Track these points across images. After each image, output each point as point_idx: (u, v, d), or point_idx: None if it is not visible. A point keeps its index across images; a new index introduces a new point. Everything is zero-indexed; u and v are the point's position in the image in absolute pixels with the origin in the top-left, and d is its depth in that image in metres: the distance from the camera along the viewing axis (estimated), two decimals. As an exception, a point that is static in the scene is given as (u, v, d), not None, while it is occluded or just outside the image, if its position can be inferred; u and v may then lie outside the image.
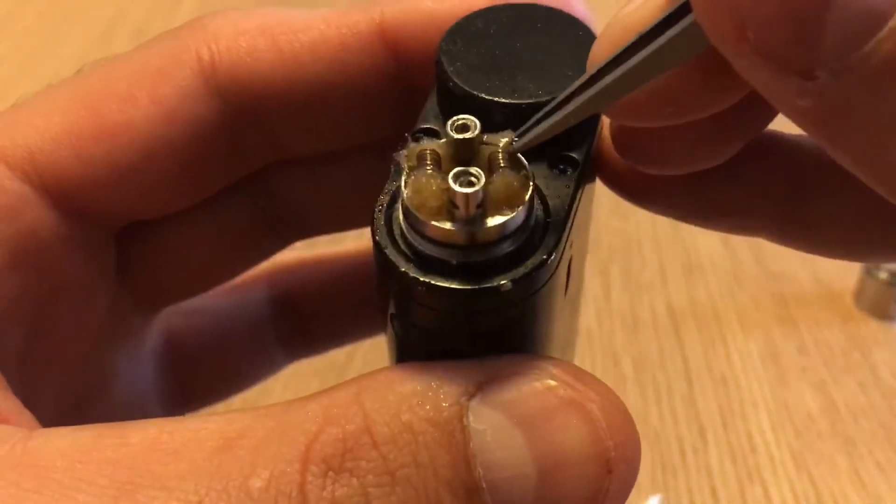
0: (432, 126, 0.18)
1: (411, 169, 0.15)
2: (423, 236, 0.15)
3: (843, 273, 0.52)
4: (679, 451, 0.42)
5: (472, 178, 0.15)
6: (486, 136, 0.16)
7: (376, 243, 0.15)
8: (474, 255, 0.15)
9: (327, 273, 0.27)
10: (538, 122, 0.16)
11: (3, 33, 0.72)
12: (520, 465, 0.14)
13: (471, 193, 0.15)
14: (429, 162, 0.15)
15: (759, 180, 0.18)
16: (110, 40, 0.72)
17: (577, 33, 0.19)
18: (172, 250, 0.23)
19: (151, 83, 0.19)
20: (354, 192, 0.24)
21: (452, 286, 0.15)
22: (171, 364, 0.25)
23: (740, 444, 0.43)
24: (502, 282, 0.15)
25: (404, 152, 0.16)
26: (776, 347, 0.48)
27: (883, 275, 0.48)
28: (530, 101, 0.17)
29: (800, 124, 0.12)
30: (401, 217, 0.15)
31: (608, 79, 0.15)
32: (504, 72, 0.18)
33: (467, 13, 0.19)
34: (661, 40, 0.14)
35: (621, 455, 0.14)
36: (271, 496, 0.13)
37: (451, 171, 0.15)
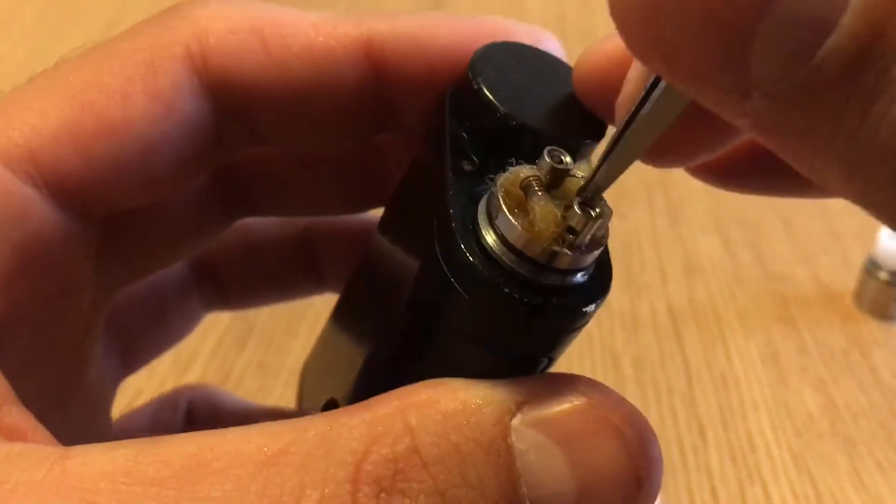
0: (466, 151, 0.18)
1: (539, 193, 0.16)
2: (532, 261, 0.16)
3: (843, 273, 0.52)
4: (679, 450, 0.42)
5: (601, 214, 0.16)
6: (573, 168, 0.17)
7: (469, 264, 0.16)
8: (565, 280, 0.16)
9: (245, 240, 0.28)
10: (591, 181, 0.17)
11: (2, 33, 0.72)
12: (561, 483, 0.14)
13: (600, 222, 0.16)
14: (536, 188, 0.16)
15: None
16: (110, 40, 0.72)
17: (564, 74, 0.20)
18: (143, 233, 0.23)
19: (145, 78, 0.19)
20: (301, 175, 0.25)
21: (562, 307, 0.16)
22: (112, 333, 0.25)
23: (740, 444, 0.43)
24: (590, 306, 0.16)
25: (500, 182, 0.16)
26: (776, 347, 0.48)
27: (883, 275, 0.48)
28: (579, 140, 0.19)
29: (752, 133, 0.13)
30: (494, 240, 0.16)
31: (630, 134, 0.15)
32: (536, 105, 0.19)
33: (458, 45, 0.20)
34: (661, 87, 0.14)
35: (648, 472, 0.15)
36: None
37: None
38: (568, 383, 0.15)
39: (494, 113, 0.18)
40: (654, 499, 0.15)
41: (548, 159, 0.16)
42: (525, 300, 0.15)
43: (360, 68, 0.20)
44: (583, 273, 0.16)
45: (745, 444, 0.43)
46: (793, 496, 0.41)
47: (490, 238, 0.16)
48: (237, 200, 0.25)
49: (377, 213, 0.27)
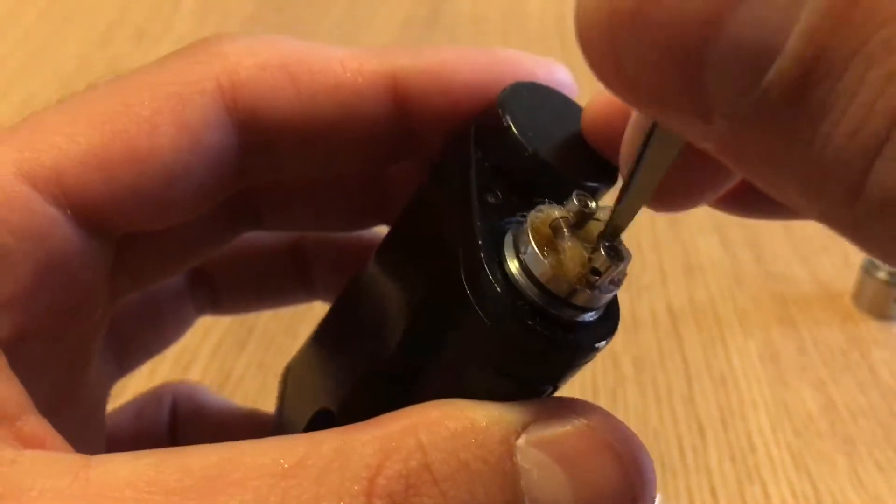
0: (491, 185, 0.19)
1: (568, 235, 0.17)
2: (558, 298, 0.17)
3: (843, 273, 0.52)
4: (678, 450, 0.42)
5: (622, 258, 0.17)
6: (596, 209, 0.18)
7: (496, 295, 0.17)
8: (582, 316, 0.17)
9: (238, 248, 0.28)
10: (611, 228, 0.17)
11: (3, 34, 0.72)
12: (562, 500, 0.15)
13: (622, 266, 0.17)
14: (565, 229, 0.17)
15: None
16: (111, 41, 0.72)
17: (577, 116, 0.21)
18: (154, 249, 0.24)
19: (174, 110, 0.19)
20: (307, 192, 0.26)
21: (576, 342, 0.17)
22: (110, 336, 0.26)
23: (740, 444, 0.43)
24: (602, 342, 0.17)
25: (531, 219, 0.17)
26: (776, 347, 0.48)
27: (882, 275, 0.48)
28: (594, 184, 0.20)
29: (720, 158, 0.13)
30: (520, 271, 0.17)
31: (637, 179, 0.16)
32: (557, 146, 0.20)
33: (479, 81, 0.21)
34: (657, 130, 0.15)
35: (642, 492, 0.16)
36: None
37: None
38: (570, 407, 0.16)
39: (522, 152, 0.19)
40: None
41: (576, 202, 0.17)
42: (546, 333, 0.16)
43: (385, 103, 0.21)
44: (595, 312, 0.17)
45: (744, 443, 0.43)
46: (792, 496, 0.41)
47: (515, 270, 0.17)
48: (244, 216, 0.26)
49: (378, 230, 0.27)
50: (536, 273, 0.17)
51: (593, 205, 0.17)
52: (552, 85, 0.22)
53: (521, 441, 0.15)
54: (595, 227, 0.17)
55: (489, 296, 0.17)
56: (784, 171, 0.12)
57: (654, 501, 0.16)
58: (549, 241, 0.17)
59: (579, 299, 0.17)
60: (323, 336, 0.25)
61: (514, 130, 0.20)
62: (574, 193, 0.17)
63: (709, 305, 0.50)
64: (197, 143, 0.19)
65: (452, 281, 0.17)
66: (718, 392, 0.45)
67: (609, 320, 0.18)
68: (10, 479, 0.15)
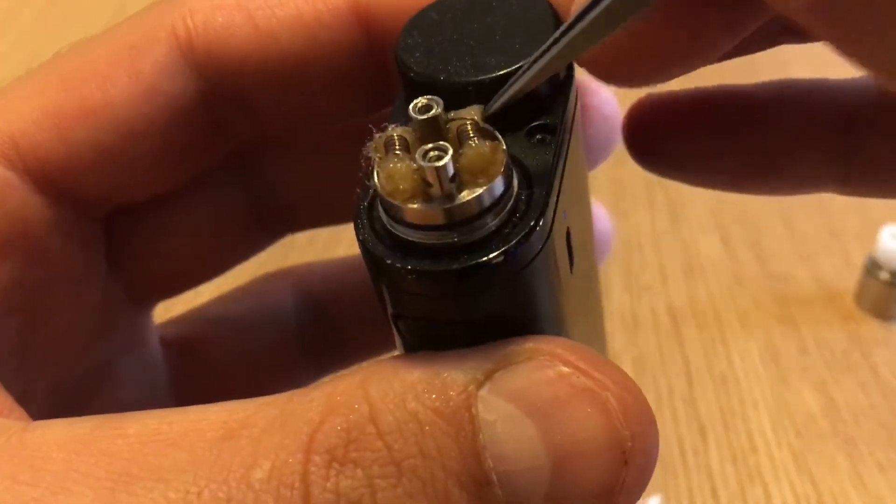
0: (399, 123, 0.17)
1: (381, 158, 0.15)
2: (403, 223, 0.15)
3: (844, 273, 0.52)
4: (679, 451, 0.42)
5: (440, 153, 0.14)
6: (452, 113, 0.16)
7: (361, 242, 0.15)
8: (460, 235, 0.14)
9: (356, 275, 0.26)
10: (510, 86, 0.16)
11: (3, 33, 0.72)
12: (532, 457, 0.13)
13: (440, 167, 0.14)
14: (397, 147, 0.15)
15: (806, 124, 0.18)
16: (110, 40, 0.72)
17: (534, 7, 0.19)
18: (162, 240, 0.23)
19: (129, 60, 0.19)
20: (342, 184, 0.24)
21: (440, 269, 0.14)
22: (192, 372, 0.25)
23: (741, 445, 0.43)
24: (491, 255, 0.14)
25: (371, 144, 0.15)
26: (777, 348, 0.48)
27: (884, 275, 0.48)
28: (494, 74, 0.17)
29: (801, 20, 0.12)
30: (380, 209, 0.15)
31: (577, 28, 0.14)
32: (465, 54, 0.18)
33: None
34: None
35: (638, 446, 0.14)
36: (273, 487, 0.13)
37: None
38: (544, 348, 0.14)
39: (408, 73, 0.17)
40: (647, 478, 0.14)
41: (412, 112, 0.15)
42: (407, 268, 0.14)
43: (351, 31, 0.19)
44: (493, 216, 0.15)
45: (745, 444, 0.43)
46: (793, 496, 0.41)
47: (382, 214, 0.15)
48: (275, 211, 0.24)
49: None
50: (386, 204, 0.15)
51: (440, 108, 0.15)
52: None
53: (483, 391, 0.13)
54: (467, 127, 0.15)
55: (364, 243, 0.15)
56: (875, 29, 0.11)
57: (654, 457, 0.14)
58: (384, 168, 0.15)
59: (413, 216, 0.14)
60: None
61: (402, 56, 0.18)
62: (412, 103, 0.15)
63: (709, 305, 0.50)
64: (151, 89, 0.19)
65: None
66: (719, 392, 0.45)
67: (510, 227, 0.15)
68: None
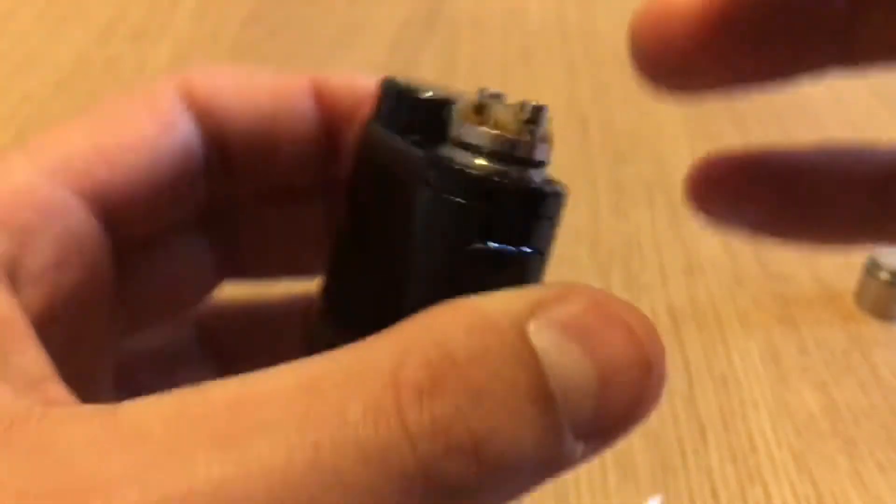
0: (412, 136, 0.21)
1: (472, 117, 0.19)
2: (503, 156, 0.18)
3: (844, 273, 0.52)
4: (679, 451, 0.42)
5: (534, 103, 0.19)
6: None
7: (458, 169, 0.18)
8: (537, 175, 0.19)
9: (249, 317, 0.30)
10: None
11: (1, 33, 0.72)
12: (582, 374, 0.16)
13: (543, 107, 0.19)
14: (489, 101, 0.19)
15: (845, 183, 0.20)
16: (109, 40, 0.72)
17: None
18: (146, 274, 0.25)
19: (150, 104, 0.23)
20: (294, 240, 0.27)
21: (552, 190, 0.19)
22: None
23: (741, 445, 0.43)
24: (557, 188, 0.19)
25: (455, 110, 0.19)
26: (777, 348, 0.48)
27: (884, 275, 0.48)
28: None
29: None
30: (468, 154, 0.19)
31: None
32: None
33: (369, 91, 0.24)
34: None
35: (656, 360, 0.17)
36: (370, 421, 0.15)
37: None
38: (571, 288, 0.17)
39: (418, 95, 0.21)
40: (663, 385, 0.17)
41: (480, 97, 0.19)
42: (531, 185, 0.18)
43: (308, 100, 0.24)
44: (541, 171, 0.19)
45: (745, 444, 0.43)
46: (794, 497, 0.41)
47: (461, 154, 0.19)
48: (226, 259, 0.27)
49: None
50: (481, 143, 0.18)
51: (495, 91, 0.19)
52: None
53: (531, 325, 0.16)
54: (507, 109, 0.19)
55: (464, 180, 0.18)
56: None
57: (667, 370, 0.17)
58: (479, 119, 0.19)
59: (525, 151, 0.18)
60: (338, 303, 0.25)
61: (405, 84, 0.21)
62: (478, 91, 0.19)
63: (709, 305, 0.50)
64: (170, 126, 0.22)
65: (415, 197, 0.19)
66: (719, 393, 0.45)
67: (557, 184, 0.20)
68: (41, 433, 0.15)
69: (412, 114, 0.21)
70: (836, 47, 0.21)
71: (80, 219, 0.21)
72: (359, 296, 0.23)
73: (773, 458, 0.42)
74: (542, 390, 0.15)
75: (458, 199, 0.18)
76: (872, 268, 0.49)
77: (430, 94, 0.21)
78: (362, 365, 0.16)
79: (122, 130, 0.22)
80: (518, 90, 0.75)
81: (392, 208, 0.21)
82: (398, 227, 0.20)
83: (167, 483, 0.14)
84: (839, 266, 0.53)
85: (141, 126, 0.22)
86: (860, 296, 0.50)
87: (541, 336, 0.16)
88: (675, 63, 0.21)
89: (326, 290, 0.25)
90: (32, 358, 0.17)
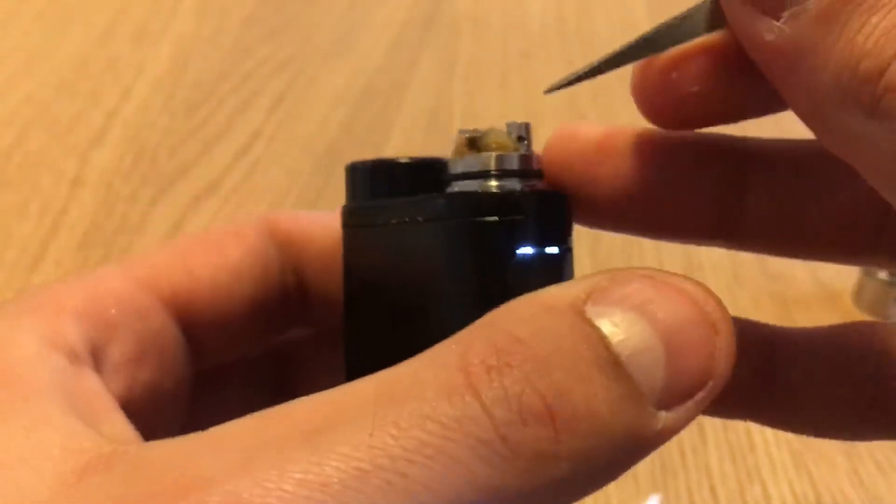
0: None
1: (463, 147, 0.21)
2: (506, 171, 0.20)
3: (843, 273, 0.52)
4: (678, 450, 0.42)
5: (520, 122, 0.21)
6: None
7: (480, 195, 0.20)
8: (529, 180, 0.21)
9: None
10: (575, 74, 0.20)
11: (2, 34, 0.72)
12: (646, 340, 0.16)
13: (528, 125, 0.21)
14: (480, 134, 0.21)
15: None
16: (110, 40, 0.72)
17: None
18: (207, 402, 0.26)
19: (237, 233, 0.25)
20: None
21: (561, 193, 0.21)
22: None
23: (739, 444, 0.43)
24: (561, 193, 0.21)
25: (453, 148, 0.21)
26: (775, 347, 0.48)
27: (882, 275, 0.48)
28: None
29: (767, 66, 0.17)
30: (490, 182, 0.20)
31: (643, 36, 0.19)
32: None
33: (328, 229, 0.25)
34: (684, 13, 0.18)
35: (720, 317, 0.17)
36: (444, 395, 0.15)
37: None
38: (621, 271, 0.17)
39: (396, 162, 0.23)
40: (733, 342, 0.17)
41: (464, 134, 0.21)
42: (549, 191, 0.20)
43: (266, 237, 0.25)
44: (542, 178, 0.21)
45: (744, 443, 0.43)
46: (792, 496, 0.41)
47: (462, 183, 0.20)
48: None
49: None
50: (488, 166, 0.20)
51: (484, 129, 0.21)
52: None
53: (588, 306, 0.16)
54: (499, 136, 0.21)
55: (474, 203, 0.19)
56: (826, 60, 0.15)
57: (733, 332, 0.17)
58: (474, 150, 0.20)
59: (527, 163, 0.20)
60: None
61: (372, 161, 0.23)
62: (458, 132, 0.21)
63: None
64: (254, 254, 0.25)
65: (438, 241, 0.20)
66: (718, 392, 0.45)
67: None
68: (139, 456, 0.16)
69: (394, 179, 0.22)
70: (720, 228, 0.22)
71: (161, 322, 0.23)
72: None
73: (771, 457, 0.42)
74: (608, 358, 0.16)
75: (491, 219, 0.19)
76: (870, 268, 0.49)
77: (406, 159, 0.23)
78: (431, 359, 0.16)
79: (208, 251, 0.24)
80: (518, 90, 0.75)
81: (405, 265, 0.21)
82: (420, 275, 0.21)
83: (261, 475, 0.14)
84: (837, 266, 0.53)
85: (227, 250, 0.24)
86: (858, 296, 0.50)
87: (599, 312, 0.16)
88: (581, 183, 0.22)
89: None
90: (121, 425, 0.19)
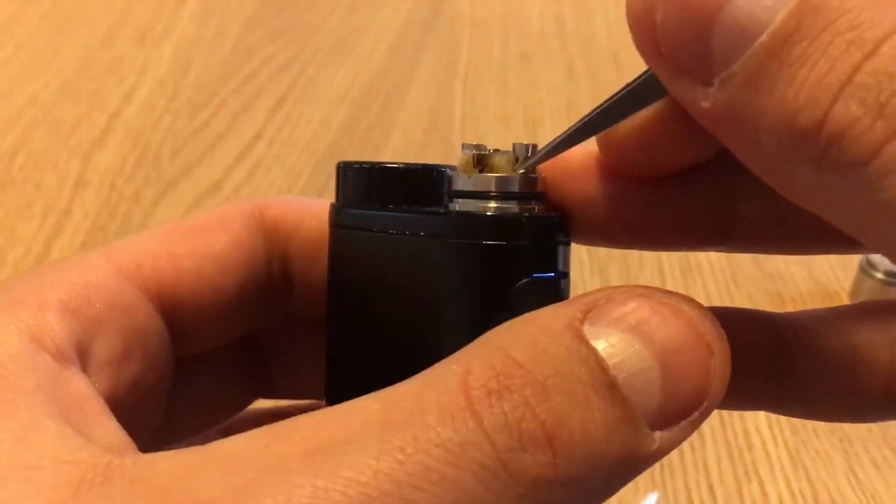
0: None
1: (470, 164, 0.20)
2: (508, 193, 0.20)
3: (840, 272, 0.52)
4: (677, 449, 0.43)
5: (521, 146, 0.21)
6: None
7: (484, 217, 0.20)
8: (530, 201, 0.20)
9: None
10: (544, 150, 0.20)
11: (7, 35, 0.72)
12: (642, 361, 0.16)
13: (530, 146, 0.20)
14: (484, 156, 0.21)
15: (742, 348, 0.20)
16: (113, 42, 0.73)
17: None
18: (189, 385, 0.26)
19: (222, 220, 0.24)
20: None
21: (560, 218, 0.20)
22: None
23: (737, 442, 0.43)
24: (557, 217, 0.20)
25: (458, 166, 0.21)
26: (773, 346, 0.48)
27: (879, 274, 0.49)
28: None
29: (712, 130, 0.17)
30: (490, 203, 0.20)
31: (596, 111, 0.19)
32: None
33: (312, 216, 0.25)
34: (636, 83, 0.18)
35: (716, 337, 0.17)
36: (447, 420, 0.15)
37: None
38: (616, 289, 0.17)
39: (391, 166, 0.22)
40: (728, 363, 0.17)
41: (470, 150, 0.21)
42: (550, 214, 0.20)
43: (256, 223, 0.25)
44: (539, 200, 0.21)
45: (742, 441, 0.43)
46: (789, 493, 0.41)
47: (462, 202, 0.20)
48: (259, 378, 0.28)
49: None
50: (496, 188, 0.20)
51: (489, 149, 0.21)
52: None
53: (586, 326, 0.16)
54: (501, 158, 0.21)
55: (483, 225, 0.19)
56: (764, 120, 0.15)
57: (729, 353, 0.17)
58: (479, 169, 0.20)
59: (533, 185, 0.20)
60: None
61: (363, 163, 0.23)
62: (462, 147, 0.21)
63: (707, 305, 0.51)
64: (240, 242, 0.24)
65: (435, 257, 0.20)
66: (716, 391, 0.46)
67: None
68: (137, 469, 0.16)
69: (387, 184, 0.22)
70: (714, 235, 0.22)
71: (146, 316, 0.22)
72: (373, 377, 0.23)
73: (769, 455, 0.43)
74: (605, 380, 0.16)
75: (499, 243, 0.19)
76: (867, 267, 0.49)
77: (400, 165, 0.22)
78: (433, 380, 0.16)
79: (193, 239, 0.24)
80: (518, 91, 0.75)
81: (400, 275, 0.21)
82: (415, 288, 0.21)
83: (268, 497, 0.15)
84: (834, 266, 0.54)
85: (213, 239, 0.24)
86: (855, 295, 0.50)
87: (596, 333, 0.16)
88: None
89: (332, 389, 0.25)
90: (113, 431, 0.18)
